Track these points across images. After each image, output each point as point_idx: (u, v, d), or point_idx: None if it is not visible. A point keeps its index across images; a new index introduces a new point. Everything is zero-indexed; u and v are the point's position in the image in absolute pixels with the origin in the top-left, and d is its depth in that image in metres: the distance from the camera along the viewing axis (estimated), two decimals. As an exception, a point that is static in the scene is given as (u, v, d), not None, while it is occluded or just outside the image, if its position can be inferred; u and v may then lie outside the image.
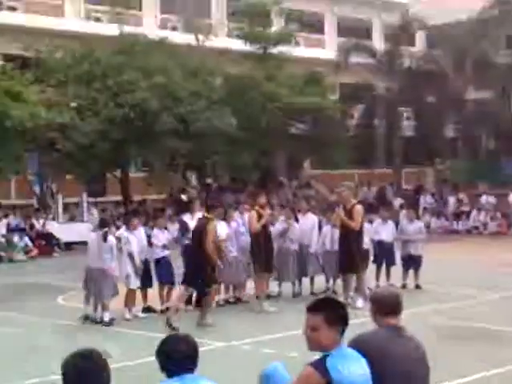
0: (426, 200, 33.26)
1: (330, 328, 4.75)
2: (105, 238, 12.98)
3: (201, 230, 12.61)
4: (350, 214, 13.99)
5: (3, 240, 23.35)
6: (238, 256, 14.76)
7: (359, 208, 14.15)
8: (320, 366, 4.63)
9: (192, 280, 12.63)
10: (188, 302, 14.22)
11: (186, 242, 14.38)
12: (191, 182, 32.29)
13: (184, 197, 27.53)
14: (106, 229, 13.20)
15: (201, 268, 12.46)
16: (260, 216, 14.00)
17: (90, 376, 3.99)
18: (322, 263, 15.54)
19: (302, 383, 4.61)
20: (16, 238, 23.65)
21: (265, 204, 14.51)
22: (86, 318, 13.05)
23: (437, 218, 31.34)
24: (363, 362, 4.85)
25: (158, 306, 13.97)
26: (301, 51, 34.02)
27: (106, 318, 12.83)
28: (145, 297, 13.98)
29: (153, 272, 14.13)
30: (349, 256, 13.97)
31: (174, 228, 16.05)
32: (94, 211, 27.02)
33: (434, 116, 34.33)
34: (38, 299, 15.64)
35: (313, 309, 4.83)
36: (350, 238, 14.01)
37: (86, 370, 3.99)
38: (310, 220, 15.82)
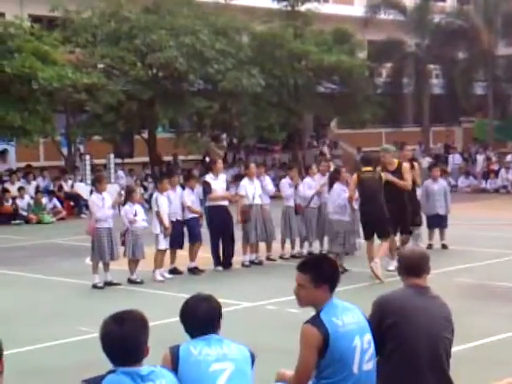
0: (454, 159, 32.97)
1: (316, 287, 4.88)
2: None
3: None
4: (398, 174, 13.48)
5: (32, 202, 23.52)
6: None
7: (407, 166, 13.76)
8: (316, 321, 4.81)
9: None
10: (218, 263, 14.30)
11: (208, 203, 14.42)
12: (222, 141, 32.29)
13: (207, 158, 27.54)
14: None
15: None
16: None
17: (126, 342, 4.00)
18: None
19: (303, 341, 4.80)
20: (45, 200, 23.81)
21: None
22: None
23: (465, 177, 31.07)
24: (356, 310, 4.99)
25: (183, 267, 14.03)
26: (329, 8, 33.59)
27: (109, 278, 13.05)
28: (173, 258, 14.06)
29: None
30: (402, 217, 13.57)
31: (200, 189, 16.07)
32: (121, 173, 27.11)
33: (464, 73, 33.90)
34: (66, 260, 15.78)
35: (301, 268, 4.98)
36: (402, 198, 13.52)
37: (115, 338, 4.00)
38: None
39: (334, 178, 14.36)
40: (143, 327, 4.08)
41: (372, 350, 4.89)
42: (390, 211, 13.27)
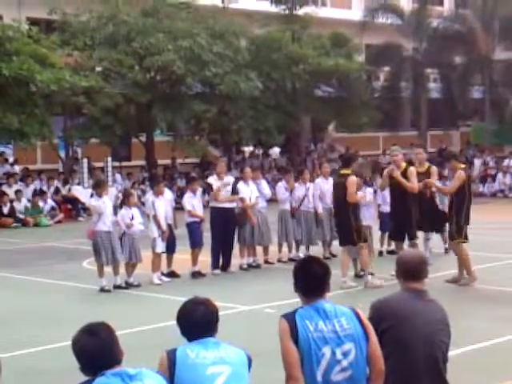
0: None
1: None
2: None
3: None
4: (404, 176, 13.13)
5: (29, 204, 23.48)
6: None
7: (413, 169, 13.38)
8: (289, 317, 4.66)
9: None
10: (216, 266, 14.28)
11: (211, 204, 14.44)
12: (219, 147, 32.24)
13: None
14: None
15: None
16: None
17: (98, 353, 4.04)
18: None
19: (280, 335, 4.65)
20: (41, 203, 23.77)
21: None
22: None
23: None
24: (345, 318, 4.71)
25: (180, 271, 14.00)
26: (327, 12, 33.59)
27: (118, 282, 13.02)
28: (169, 261, 14.03)
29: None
30: (407, 222, 13.15)
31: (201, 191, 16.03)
32: (119, 176, 27.08)
33: (461, 78, 33.92)
34: (63, 263, 15.76)
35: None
36: (408, 200, 13.10)
37: (93, 348, 4.04)
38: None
39: None
40: (114, 332, 4.15)
41: (350, 361, 4.60)
42: (393, 216, 13.36)
